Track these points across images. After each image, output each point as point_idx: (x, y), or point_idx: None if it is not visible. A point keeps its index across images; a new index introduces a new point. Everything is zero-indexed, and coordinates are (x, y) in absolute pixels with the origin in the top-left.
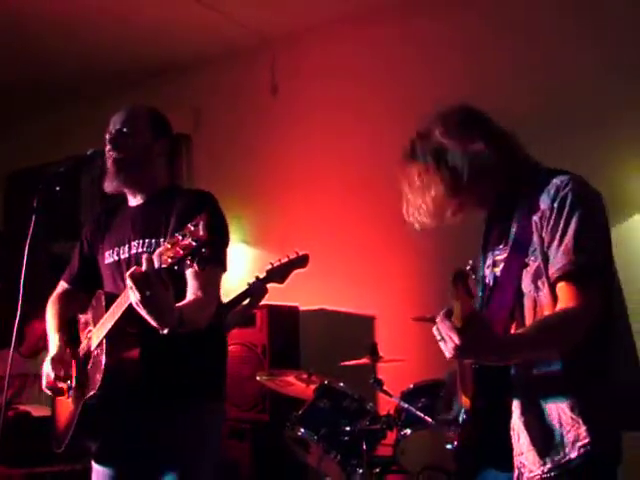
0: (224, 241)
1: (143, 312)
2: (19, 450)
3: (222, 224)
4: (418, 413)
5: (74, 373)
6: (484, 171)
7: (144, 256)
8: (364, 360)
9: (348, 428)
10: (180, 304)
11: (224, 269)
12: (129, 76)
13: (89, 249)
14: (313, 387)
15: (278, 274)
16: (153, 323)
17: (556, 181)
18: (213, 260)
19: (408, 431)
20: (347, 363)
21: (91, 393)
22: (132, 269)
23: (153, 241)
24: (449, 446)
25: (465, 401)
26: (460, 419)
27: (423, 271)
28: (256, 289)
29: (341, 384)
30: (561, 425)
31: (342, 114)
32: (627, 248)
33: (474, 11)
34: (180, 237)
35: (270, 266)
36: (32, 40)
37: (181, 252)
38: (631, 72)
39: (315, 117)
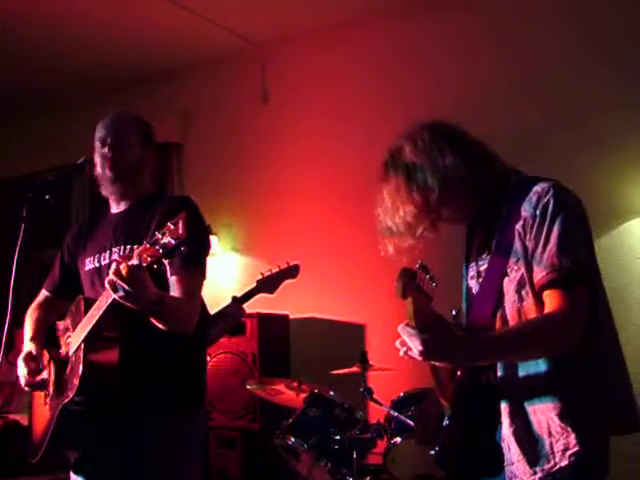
0: (204, 248)
1: (128, 305)
2: (8, 460)
3: (202, 229)
4: (408, 421)
5: (52, 379)
6: (457, 184)
7: (124, 254)
8: (354, 369)
9: (338, 437)
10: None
11: (204, 277)
12: (117, 83)
13: (70, 257)
14: (303, 396)
15: (268, 284)
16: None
17: (537, 188)
18: (194, 266)
19: (398, 439)
20: (337, 372)
21: (67, 399)
22: (113, 267)
23: (135, 247)
24: (432, 452)
25: (445, 405)
26: (444, 423)
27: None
28: (233, 309)
29: (331, 393)
30: (550, 434)
31: (333, 120)
32: (622, 253)
33: (464, 15)
34: (160, 235)
35: (260, 276)
36: (17, 46)
37: (160, 251)
38: (627, 76)
39: (306, 123)
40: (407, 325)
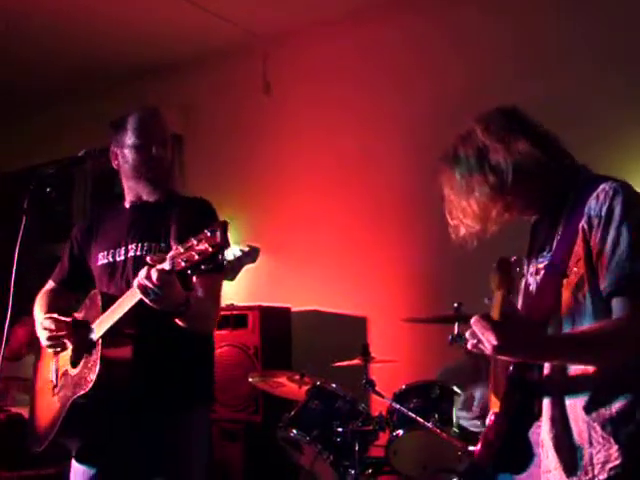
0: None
1: (155, 307)
2: (12, 452)
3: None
4: (410, 414)
5: (61, 368)
6: (529, 172)
7: (156, 255)
8: (356, 361)
9: (340, 429)
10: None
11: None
12: (119, 75)
13: (79, 250)
14: (305, 388)
15: (230, 271)
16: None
17: (604, 186)
18: (218, 268)
19: (400, 432)
20: (339, 364)
21: (82, 392)
22: (144, 271)
23: (152, 245)
24: (471, 447)
25: (494, 402)
26: (487, 420)
27: (415, 272)
28: None
29: (333, 385)
30: (591, 444)
31: (335, 113)
32: None
33: (466, 8)
34: (195, 242)
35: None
36: (17, 41)
37: (196, 257)
38: (631, 71)
39: (308, 115)
40: (483, 318)
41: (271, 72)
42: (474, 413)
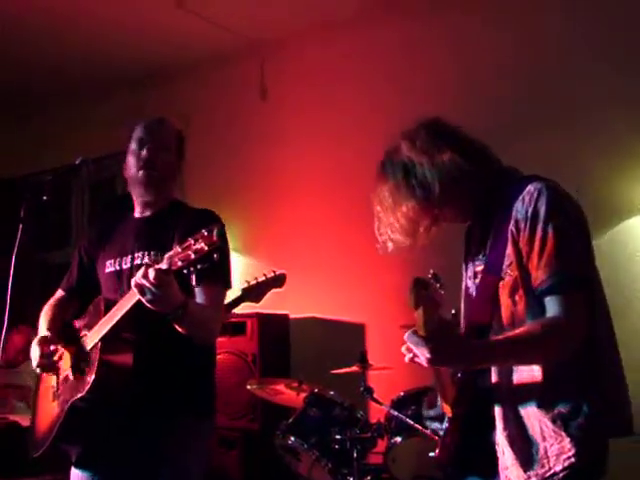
0: (229, 261)
1: (153, 308)
2: (10, 459)
3: (227, 243)
4: (408, 421)
5: (65, 369)
6: (455, 181)
7: (153, 256)
8: (354, 368)
9: (338, 436)
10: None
11: (230, 287)
12: (116, 82)
13: (88, 258)
14: (303, 396)
15: (254, 293)
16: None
17: (530, 188)
18: (221, 278)
19: (398, 439)
20: (337, 371)
21: (79, 395)
22: (141, 270)
23: (159, 254)
24: (432, 454)
25: (447, 409)
26: (443, 425)
27: (412, 279)
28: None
29: (331, 392)
30: (544, 438)
31: (333, 118)
32: (622, 251)
33: (465, 11)
34: (192, 241)
35: (246, 284)
36: (17, 46)
37: (193, 256)
38: (628, 72)
39: (305, 121)
40: (413, 333)
41: (268, 78)
42: (438, 410)
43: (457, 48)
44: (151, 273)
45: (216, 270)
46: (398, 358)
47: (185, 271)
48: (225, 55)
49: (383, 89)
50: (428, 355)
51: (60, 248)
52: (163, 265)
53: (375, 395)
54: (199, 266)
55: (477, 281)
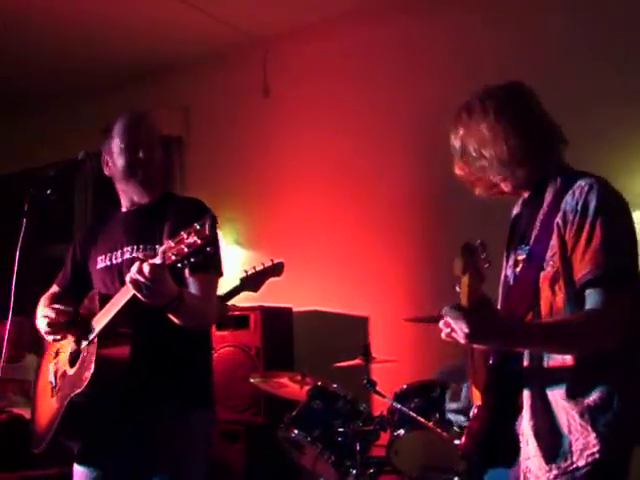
0: (220, 250)
1: (149, 303)
2: (13, 453)
3: (217, 232)
4: (411, 414)
5: (60, 369)
6: (522, 157)
7: (146, 251)
8: (357, 361)
9: (342, 429)
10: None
11: (222, 275)
12: (118, 77)
13: (81, 255)
14: (307, 389)
15: (252, 282)
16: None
17: (580, 182)
18: (213, 267)
19: (401, 432)
20: (340, 364)
21: (78, 390)
22: (135, 266)
23: (148, 247)
24: (457, 441)
25: (476, 395)
26: (470, 413)
27: (416, 272)
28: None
29: (334, 385)
30: (570, 432)
31: (334, 114)
32: None
33: (465, 9)
34: (185, 235)
35: (244, 274)
36: (17, 42)
37: (186, 250)
38: (630, 68)
39: (307, 117)
40: (453, 307)
41: (270, 74)
42: (462, 403)
43: (457, 46)
44: (145, 268)
45: (207, 259)
46: (401, 351)
47: (179, 265)
48: (227, 51)
49: (384, 86)
50: (467, 330)
51: (63, 242)
52: (157, 260)
53: (378, 388)
54: (192, 259)
55: (517, 270)
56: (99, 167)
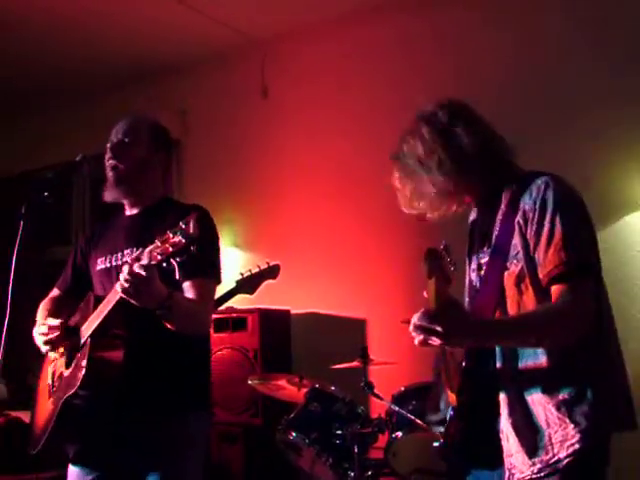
0: (216, 252)
1: (137, 304)
2: (11, 456)
3: (213, 234)
4: (409, 416)
5: (58, 371)
6: (469, 165)
7: (134, 254)
8: (355, 363)
9: (339, 431)
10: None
11: (219, 281)
12: (116, 80)
13: (82, 258)
14: (304, 391)
15: (248, 285)
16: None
17: (537, 181)
18: (207, 271)
19: (399, 434)
20: (338, 366)
21: (71, 391)
22: (124, 269)
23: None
24: (436, 444)
25: (451, 397)
26: (447, 416)
27: (413, 274)
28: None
29: (332, 388)
30: (548, 425)
31: (333, 114)
32: (623, 246)
33: (465, 9)
34: (171, 234)
35: (240, 277)
36: (16, 43)
37: (170, 249)
38: (628, 68)
39: (305, 118)
40: (424, 313)
41: (268, 75)
42: (442, 413)
43: (457, 46)
44: (133, 269)
45: (199, 263)
46: (399, 353)
47: (165, 264)
48: (225, 52)
49: (384, 86)
50: (440, 330)
51: (62, 244)
52: (144, 260)
53: (376, 390)
54: (178, 259)
55: (482, 273)
56: (97, 169)
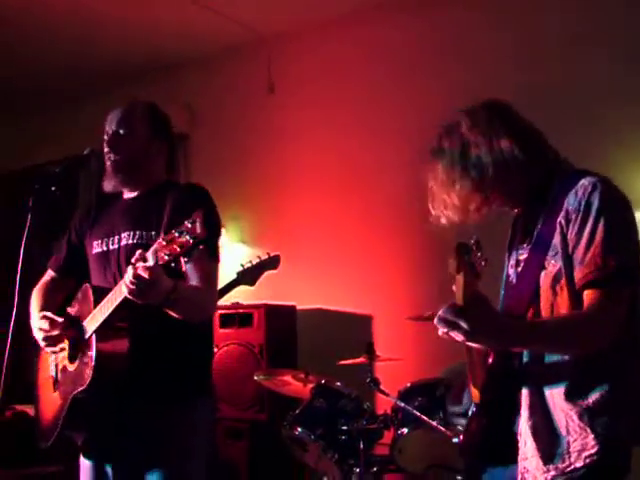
0: (217, 234)
1: (143, 302)
2: (18, 449)
3: (217, 219)
4: (415, 412)
5: (60, 364)
6: (508, 169)
7: (138, 253)
8: (361, 359)
9: (345, 427)
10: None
11: (218, 261)
12: (123, 74)
13: (77, 238)
14: (310, 387)
15: (248, 276)
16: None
17: (584, 182)
18: (209, 253)
19: (405, 430)
20: (344, 362)
21: (80, 389)
22: (129, 271)
23: (144, 233)
24: (455, 440)
25: (475, 394)
26: (469, 412)
27: (420, 270)
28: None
29: (338, 383)
30: (568, 432)
31: (339, 112)
32: None
33: (467, 9)
34: (177, 234)
35: (241, 268)
36: (20, 40)
37: (178, 249)
38: (636, 69)
39: (312, 115)
40: (450, 306)
41: (275, 72)
42: (465, 406)
43: (458, 46)
44: (140, 273)
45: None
46: (405, 349)
47: (172, 264)
48: (233, 48)
49: (389, 84)
50: (465, 327)
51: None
52: (150, 261)
53: (382, 386)
54: (185, 259)
55: (519, 269)
56: (104, 164)
